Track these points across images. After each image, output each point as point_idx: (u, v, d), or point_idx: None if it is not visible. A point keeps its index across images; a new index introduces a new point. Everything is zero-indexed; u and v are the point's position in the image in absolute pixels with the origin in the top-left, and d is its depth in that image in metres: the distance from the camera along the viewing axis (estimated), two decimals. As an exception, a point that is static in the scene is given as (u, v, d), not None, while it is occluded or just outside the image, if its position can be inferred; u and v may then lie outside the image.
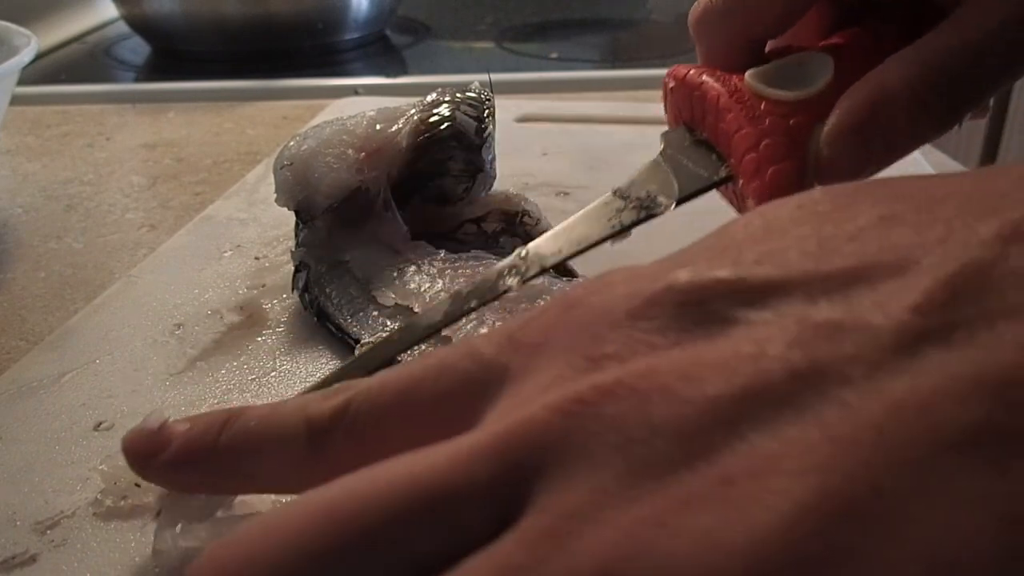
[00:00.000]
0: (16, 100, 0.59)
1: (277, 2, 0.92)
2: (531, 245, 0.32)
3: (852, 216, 0.19)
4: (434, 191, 0.42)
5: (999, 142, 1.68)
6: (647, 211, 0.31)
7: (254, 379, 0.37)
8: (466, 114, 0.42)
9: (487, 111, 0.43)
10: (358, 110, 0.43)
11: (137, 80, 0.95)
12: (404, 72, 0.92)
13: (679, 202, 0.32)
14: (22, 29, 0.59)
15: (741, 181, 0.31)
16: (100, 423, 0.34)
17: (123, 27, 1.04)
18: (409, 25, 1.11)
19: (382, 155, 0.41)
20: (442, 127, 0.42)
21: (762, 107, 0.30)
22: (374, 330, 0.37)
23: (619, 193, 0.32)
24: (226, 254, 0.48)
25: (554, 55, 0.98)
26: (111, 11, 1.06)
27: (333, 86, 0.84)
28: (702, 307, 0.18)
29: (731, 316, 0.18)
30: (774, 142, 0.29)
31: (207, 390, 0.36)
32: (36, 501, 0.30)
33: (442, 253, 0.39)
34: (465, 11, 1.21)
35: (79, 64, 1.00)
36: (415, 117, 0.42)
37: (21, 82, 0.57)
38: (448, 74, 0.86)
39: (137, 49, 1.02)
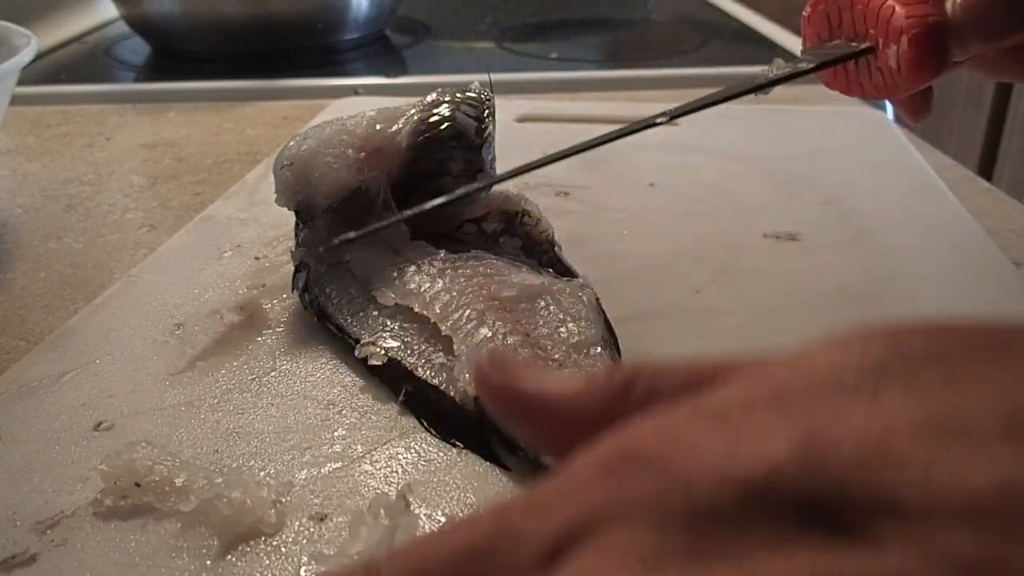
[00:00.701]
0: (16, 100, 0.59)
1: (277, 2, 0.92)
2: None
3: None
4: (434, 191, 0.42)
5: (999, 143, 1.68)
6: (792, 70, 0.36)
7: (254, 379, 0.37)
8: (466, 114, 0.42)
9: (487, 111, 0.43)
10: (358, 110, 0.43)
11: (137, 80, 0.95)
12: (404, 72, 0.92)
13: (821, 65, 0.36)
14: (22, 29, 0.59)
15: (883, 47, 0.35)
16: (100, 423, 0.34)
17: (123, 27, 1.04)
18: (409, 25, 1.11)
19: (382, 155, 0.41)
20: (442, 127, 0.42)
21: None
22: (374, 330, 0.37)
23: (765, 70, 0.37)
24: (226, 254, 0.48)
25: (554, 55, 0.98)
26: (111, 11, 1.06)
27: (333, 86, 0.84)
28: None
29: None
30: (916, 5, 0.33)
31: (207, 390, 0.36)
32: (36, 501, 0.30)
33: (442, 253, 0.39)
34: (465, 11, 1.21)
35: (79, 64, 1.00)
36: (415, 117, 0.42)
37: (21, 82, 0.57)
38: (448, 74, 0.85)
39: (137, 49, 1.02)
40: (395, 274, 0.39)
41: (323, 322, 0.39)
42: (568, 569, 0.16)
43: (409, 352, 0.36)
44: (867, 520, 0.15)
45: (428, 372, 0.35)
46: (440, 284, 0.37)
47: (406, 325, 0.37)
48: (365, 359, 0.36)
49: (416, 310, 0.37)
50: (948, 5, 0.34)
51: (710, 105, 0.36)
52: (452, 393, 0.34)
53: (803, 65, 0.36)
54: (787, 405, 0.17)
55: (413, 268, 0.39)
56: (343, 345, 0.38)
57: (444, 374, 0.34)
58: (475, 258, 0.39)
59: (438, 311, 0.36)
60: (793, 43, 0.97)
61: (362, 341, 0.37)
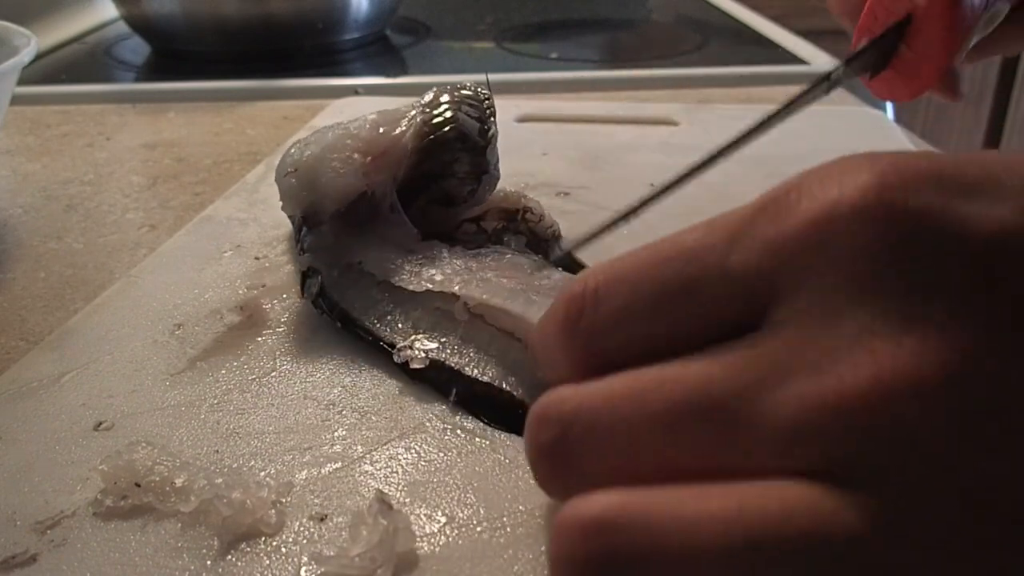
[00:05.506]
0: (16, 100, 0.59)
1: (277, 2, 0.92)
2: None
3: None
4: (438, 193, 0.42)
5: (999, 142, 1.68)
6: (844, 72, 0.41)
7: (254, 379, 0.37)
8: (468, 115, 0.42)
9: (489, 112, 0.43)
10: (358, 110, 0.43)
11: (137, 80, 0.95)
12: (404, 72, 0.92)
13: (861, 57, 0.41)
14: (22, 29, 0.59)
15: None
16: (100, 423, 0.34)
17: (123, 27, 1.04)
18: (409, 25, 1.11)
19: (388, 158, 0.41)
20: (446, 129, 0.42)
21: None
22: (406, 332, 0.36)
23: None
24: (226, 254, 0.48)
25: (554, 55, 0.98)
26: (111, 11, 1.06)
27: (333, 86, 0.84)
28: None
29: None
30: None
31: (207, 390, 0.36)
32: (36, 501, 0.30)
33: (459, 248, 0.39)
34: (465, 11, 1.21)
35: (79, 64, 1.00)
36: (418, 119, 0.42)
37: (21, 82, 0.57)
38: (448, 74, 0.85)
39: (137, 49, 1.02)
40: (417, 270, 0.38)
41: (348, 327, 0.38)
42: (783, 310, 0.19)
43: (450, 351, 0.35)
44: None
45: (476, 370, 0.34)
46: (470, 273, 0.37)
47: (438, 323, 0.36)
48: (405, 363, 0.35)
49: (455, 291, 0.36)
50: None
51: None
52: (506, 387, 0.33)
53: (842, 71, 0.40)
54: None
55: (434, 264, 0.38)
56: (347, 345, 0.38)
57: (492, 370, 0.34)
58: (497, 252, 0.38)
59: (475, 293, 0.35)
60: (792, 43, 0.97)
61: (398, 345, 0.36)
